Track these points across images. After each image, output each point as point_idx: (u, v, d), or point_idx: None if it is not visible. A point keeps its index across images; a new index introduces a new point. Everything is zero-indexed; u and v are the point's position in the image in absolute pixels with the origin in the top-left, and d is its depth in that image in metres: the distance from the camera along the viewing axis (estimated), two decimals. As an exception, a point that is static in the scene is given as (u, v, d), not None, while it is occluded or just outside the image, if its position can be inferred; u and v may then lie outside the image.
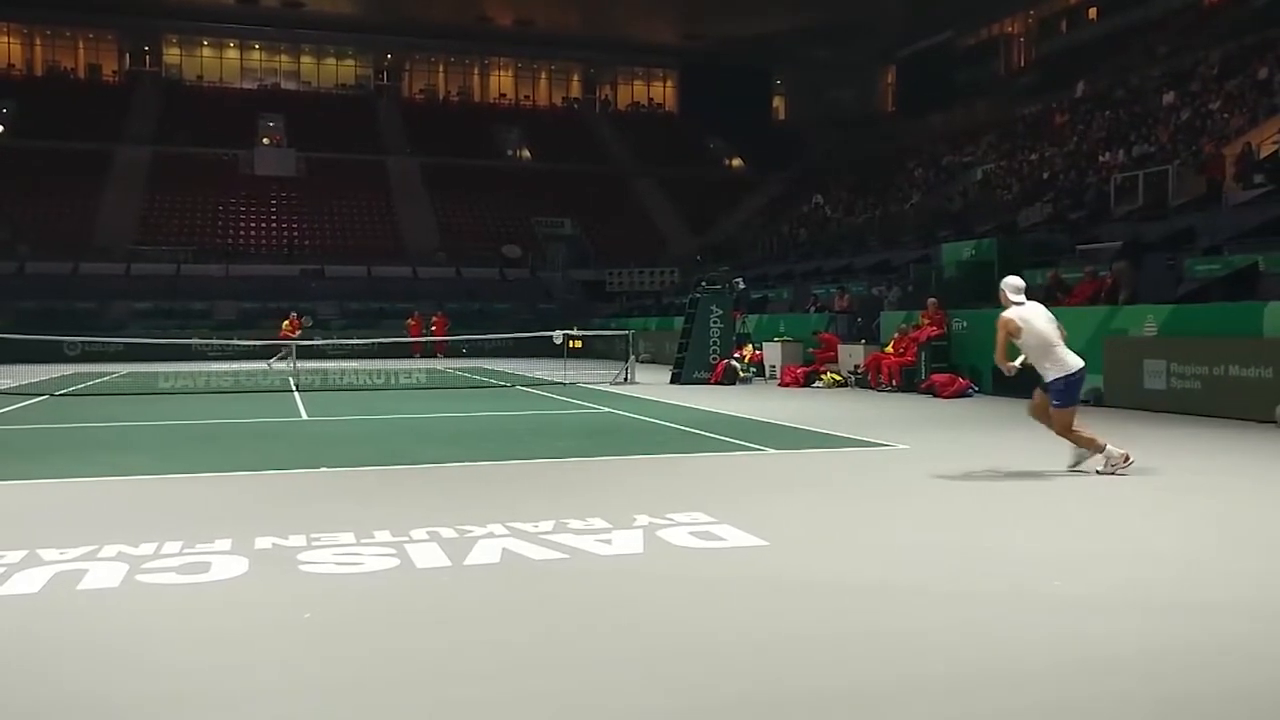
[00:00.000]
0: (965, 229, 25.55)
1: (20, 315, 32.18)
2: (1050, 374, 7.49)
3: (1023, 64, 48.47)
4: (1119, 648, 3.59)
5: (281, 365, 23.93)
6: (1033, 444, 9.59)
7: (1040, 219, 24.64)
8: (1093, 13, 44.43)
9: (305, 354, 25.85)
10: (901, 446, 9.15)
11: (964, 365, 15.75)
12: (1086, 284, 15.38)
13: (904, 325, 16.88)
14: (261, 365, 24.76)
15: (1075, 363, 7.53)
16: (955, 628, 3.85)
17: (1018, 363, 7.68)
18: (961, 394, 14.83)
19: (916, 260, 24.27)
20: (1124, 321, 13.53)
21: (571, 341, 22.39)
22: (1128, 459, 7.31)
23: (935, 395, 14.91)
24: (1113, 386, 12.93)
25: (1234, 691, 3.21)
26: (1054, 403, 7.58)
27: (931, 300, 16.76)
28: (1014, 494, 6.91)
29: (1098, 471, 7.35)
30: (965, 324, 16.20)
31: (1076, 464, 7.53)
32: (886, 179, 39.31)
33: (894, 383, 16.20)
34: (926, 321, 16.37)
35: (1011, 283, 7.72)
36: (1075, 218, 23.00)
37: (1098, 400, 13.01)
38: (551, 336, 21.39)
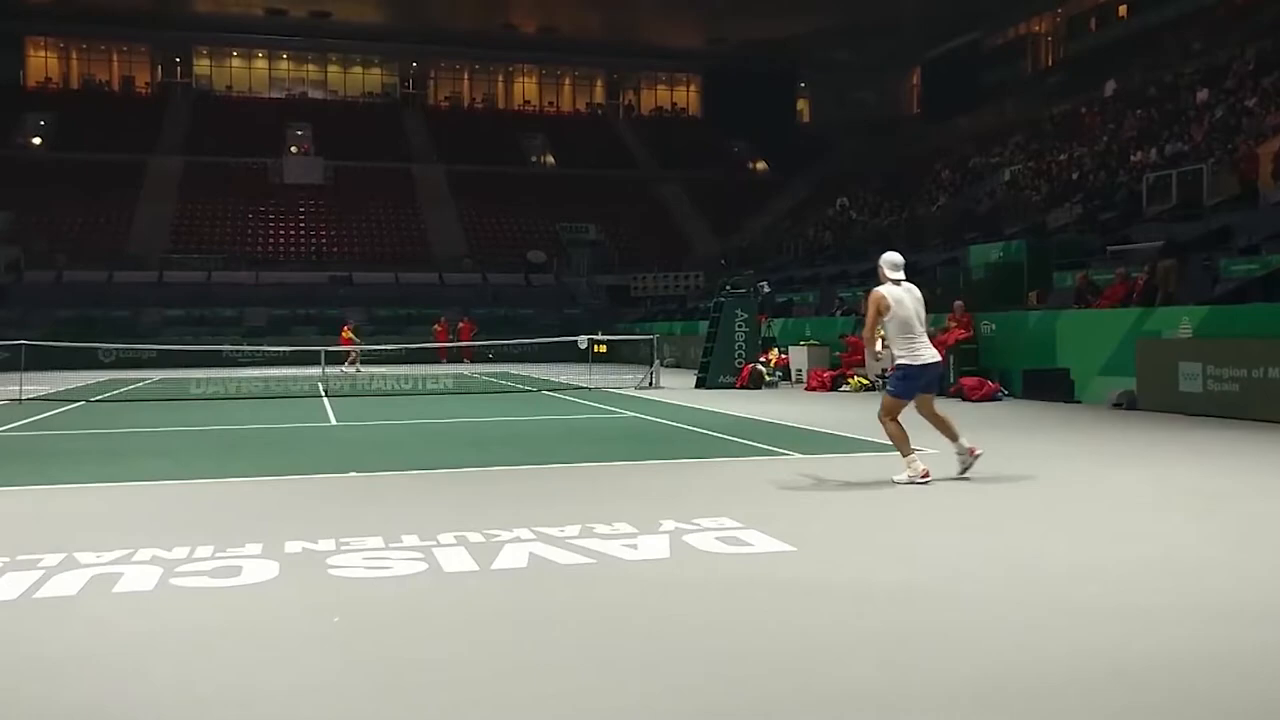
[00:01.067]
0: (993, 231, 25.35)
1: (57, 323, 32.74)
2: (900, 359, 7.31)
3: (1050, 63, 48.04)
4: (1145, 655, 3.55)
5: (350, 369, 26.00)
6: (1063, 448, 9.50)
7: (1070, 220, 24.38)
8: (1123, 10, 43.98)
9: (336, 359, 26.23)
10: (930, 451, 9.06)
11: (993, 368, 15.61)
12: (1118, 286, 15.20)
13: (931, 329, 16.74)
14: (346, 369, 26.22)
15: (929, 355, 7.32)
16: (981, 634, 3.82)
17: (879, 346, 7.38)
18: (991, 397, 14.70)
19: (943, 263, 24.09)
20: (1157, 324, 13.36)
21: (596, 346, 22.44)
22: (926, 475, 7.11)
23: (964, 399, 14.79)
24: (1146, 390, 12.75)
25: (1246, 696, 3.16)
26: (889, 388, 7.41)
27: (958, 303, 16.64)
28: (1043, 499, 6.84)
29: (895, 480, 7.15)
30: (994, 327, 16.07)
31: (963, 470, 7.29)
32: (912, 181, 39.08)
33: (922, 386, 16.08)
34: (954, 324, 16.26)
35: (890, 259, 7.45)
36: (1106, 218, 22.74)
37: (1131, 404, 12.85)
38: (576, 341, 21.43)
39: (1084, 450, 9.28)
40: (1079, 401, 14.04)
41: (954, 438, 7.36)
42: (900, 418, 7.35)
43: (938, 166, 38.89)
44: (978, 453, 7.34)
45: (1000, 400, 14.69)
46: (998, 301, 17.14)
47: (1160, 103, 30.15)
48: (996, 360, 15.76)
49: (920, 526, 5.91)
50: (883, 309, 7.20)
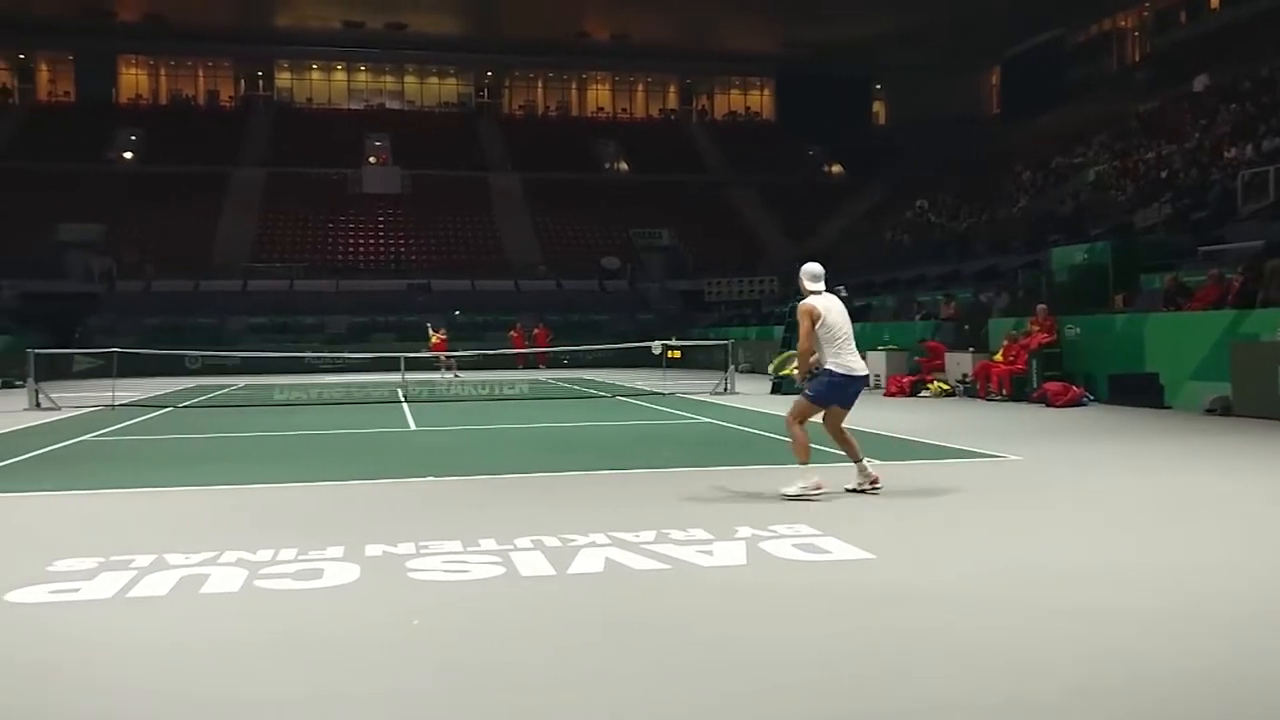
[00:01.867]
0: (1077, 232, 24.63)
1: (146, 331, 34.00)
2: (831, 366, 7.03)
3: (1137, 59, 46.56)
4: (1232, 666, 3.38)
5: (449, 375, 26.22)
6: (1152, 456, 9.15)
7: (1158, 220, 23.56)
8: (1215, 2, 42.43)
9: (414, 365, 26.68)
10: (1014, 458, 8.83)
11: (1078, 373, 15.15)
12: (1210, 287, 14.60)
13: (1013, 332, 16.35)
14: (440, 375, 26.43)
15: (857, 367, 7.07)
16: (1065, 644, 3.67)
17: (814, 359, 7.09)
18: (1075, 403, 14.27)
19: (1025, 265, 23.50)
20: (1254, 326, 12.80)
21: (670, 352, 22.40)
22: (819, 487, 6.83)
23: (1047, 405, 14.38)
24: (1242, 395, 12.23)
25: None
26: (808, 392, 7.13)
27: (1041, 306, 16.21)
28: (1133, 508, 6.58)
29: (784, 492, 6.83)
30: (1078, 330, 15.60)
31: (857, 485, 7.02)
32: (992, 182, 38.23)
33: (1004, 392, 15.70)
34: (1036, 329, 15.83)
35: (809, 270, 7.27)
36: (1197, 218, 21.92)
37: (1225, 409, 12.34)
38: (650, 347, 21.43)
39: (1174, 458, 8.92)
40: (1169, 407, 13.53)
41: (858, 459, 7.16)
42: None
43: (1018, 167, 37.98)
44: (879, 485, 7.05)
45: (1085, 406, 14.24)
46: (1082, 304, 16.63)
47: (1256, 96, 28.96)
48: (1081, 365, 15.29)
49: (1003, 535, 5.74)
50: (815, 317, 7.09)
